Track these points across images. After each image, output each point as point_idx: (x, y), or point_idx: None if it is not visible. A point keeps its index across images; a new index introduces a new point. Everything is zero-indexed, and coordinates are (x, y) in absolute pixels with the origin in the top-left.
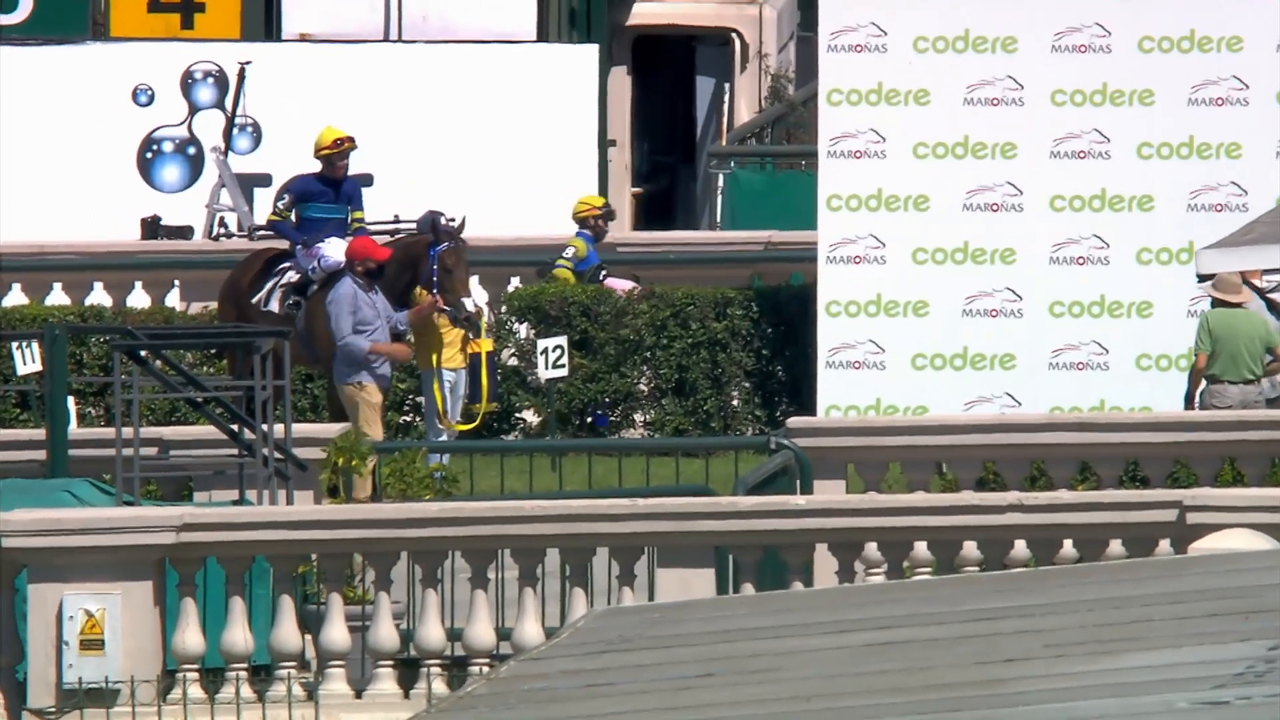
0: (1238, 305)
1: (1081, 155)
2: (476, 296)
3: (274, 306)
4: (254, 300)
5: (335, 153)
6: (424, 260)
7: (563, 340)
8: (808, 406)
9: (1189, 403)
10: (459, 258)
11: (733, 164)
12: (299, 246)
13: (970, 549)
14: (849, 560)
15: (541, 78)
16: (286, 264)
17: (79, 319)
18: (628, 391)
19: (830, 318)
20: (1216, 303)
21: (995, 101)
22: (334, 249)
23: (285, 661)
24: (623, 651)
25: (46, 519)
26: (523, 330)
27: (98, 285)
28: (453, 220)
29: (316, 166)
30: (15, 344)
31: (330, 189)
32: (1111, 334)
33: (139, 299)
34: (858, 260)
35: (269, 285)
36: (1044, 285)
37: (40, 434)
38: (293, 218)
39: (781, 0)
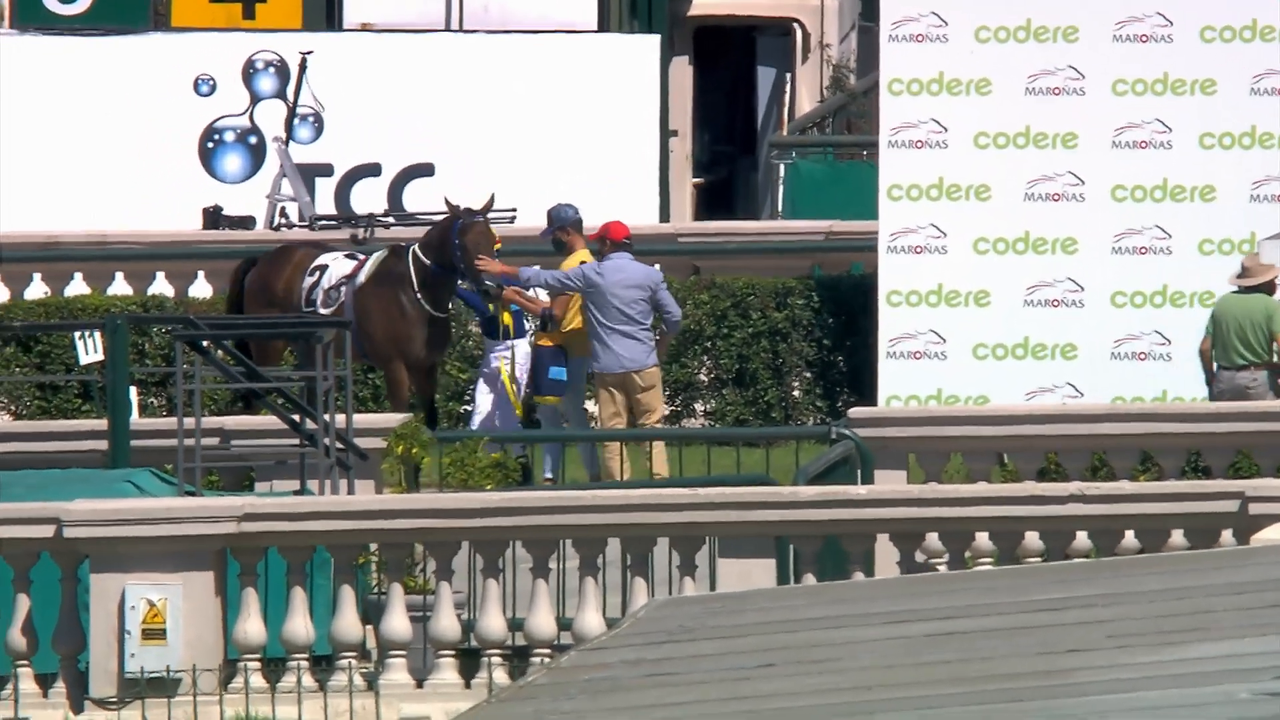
0: (1251, 290)
1: (1143, 145)
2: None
3: (320, 307)
4: (301, 294)
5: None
6: (449, 241)
7: None
8: (869, 396)
9: (1209, 388)
10: (477, 233)
11: (794, 154)
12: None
13: (1032, 539)
14: (910, 550)
15: (602, 68)
16: (324, 262)
17: (141, 309)
18: (688, 381)
19: (891, 308)
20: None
21: (1057, 91)
22: (339, 265)
23: (346, 651)
24: (683, 641)
25: (108, 509)
26: None
27: (159, 275)
28: (567, 208)
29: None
30: (77, 334)
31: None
32: (1173, 324)
33: (201, 289)
34: (919, 250)
35: (309, 283)
36: (1106, 275)
37: (102, 424)
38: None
39: None
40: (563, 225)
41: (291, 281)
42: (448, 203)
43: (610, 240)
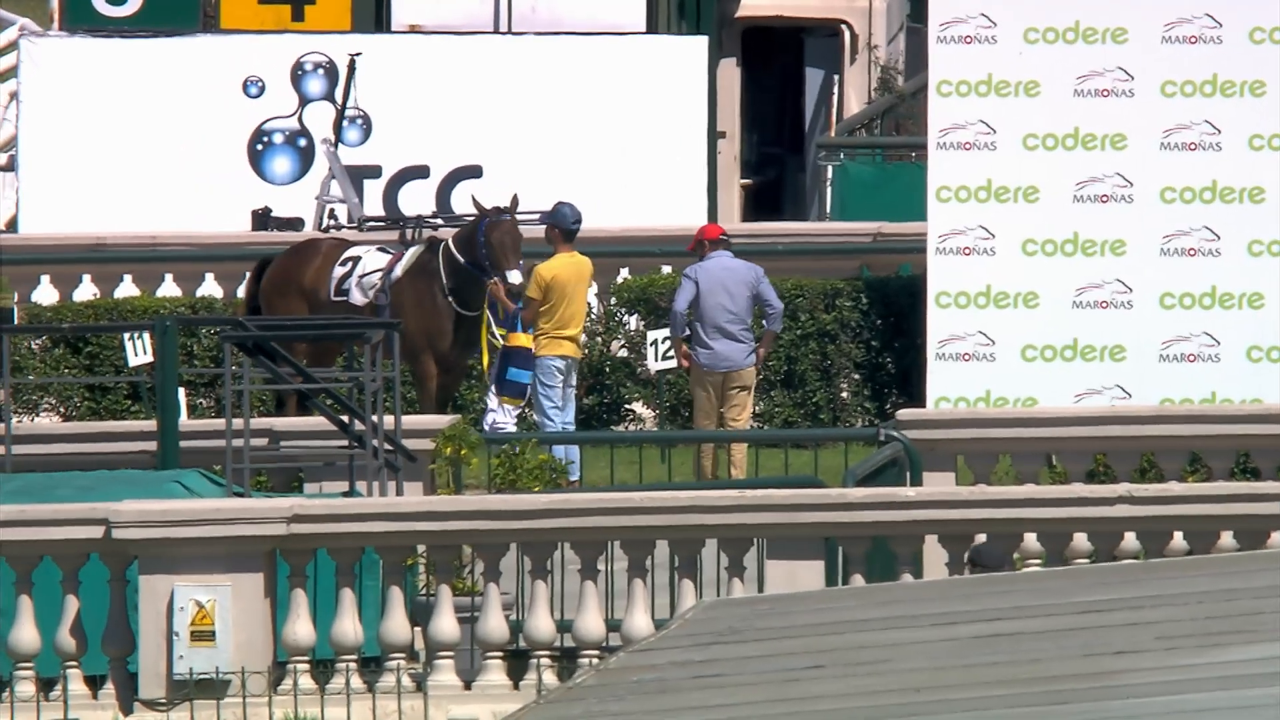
0: None
1: (1192, 147)
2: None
3: (355, 298)
4: (333, 290)
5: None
6: (475, 240)
7: None
8: (917, 398)
9: None
10: (503, 231)
11: (842, 155)
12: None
13: (1080, 541)
14: (958, 552)
15: (650, 69)
16: (357, 253)
17: (190, 310)
18: None
19: (940, 309)
20: None
21: (1105, 93)
22: (373, 258)
23: (395, 653)
24: (732, 643)
25: (157, 510)
26: (632, 322)
27: (209, 277)
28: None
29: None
30: (127, 335)
31: None
32: (1222, 326)
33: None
34: (967, 251)
35: (340, 274)
36: (1154, 277)
37: (151, 425)
38: None
39: None
40: (554, 223)
41: (321, 272)
42: (475, 203)
43: (708, 240)
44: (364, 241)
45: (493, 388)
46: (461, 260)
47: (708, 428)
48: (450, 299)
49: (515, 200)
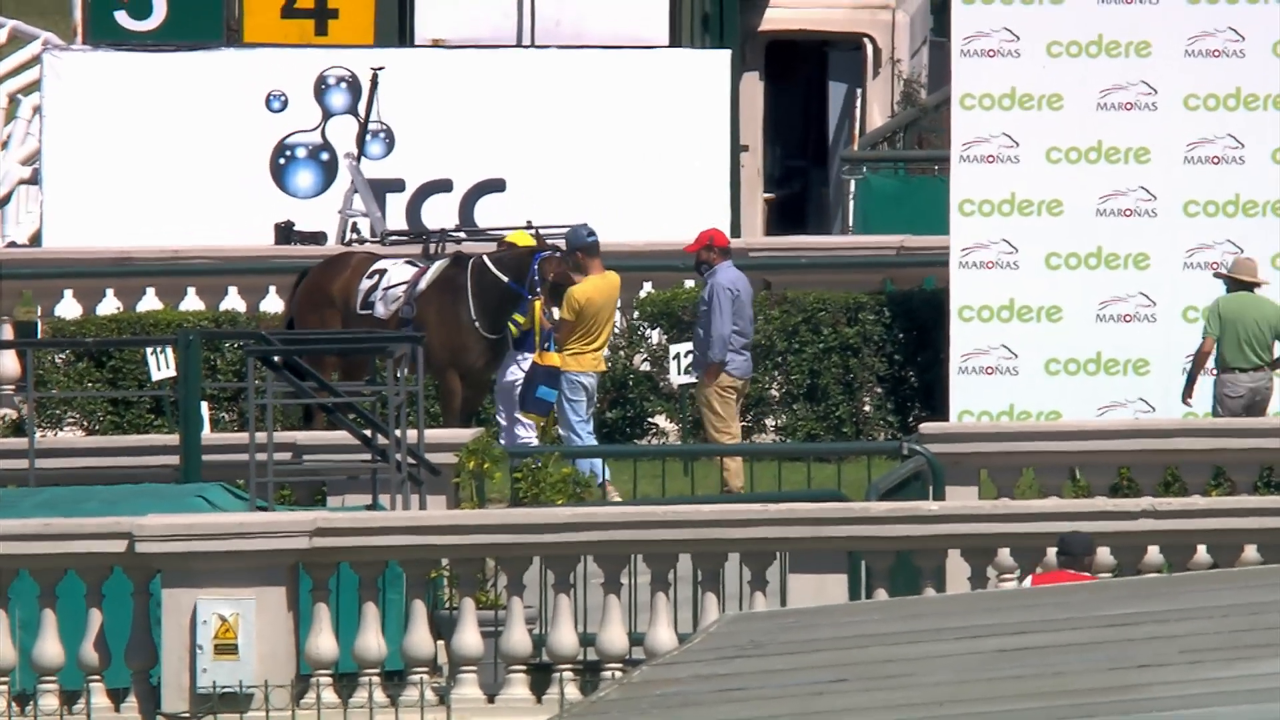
0: (1252, 288)
1: (1215, 160)
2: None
3: (379, 311)
4: (359, 304)
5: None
6: (527, 267)
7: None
8: (940, 412)
9: (1189, 387)
10: (556, 267)
11: (865, 169)
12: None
13: (1104, 555)
14: (982, 566)
15: (674, 83)
16: (383, 266)
17: (213, 324)
18: (759, 396)
19: (963, 323)
20: (1232, 286)
21: (1128, 106)
22: (398, 270)
23: (418, 666)
24: (755, 657)
25: (180, 524)
26: (655, 335)
27: (232, 290)
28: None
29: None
30: (150, 349)
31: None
32: None
33: (273, 304)
34: (990, 265)
35: (367, 286)
36: (1178, 290)
37: (174, 439)
38: None
39: (914, 5)
40: (574, 247)
41: (349, 284)
42: (537, 233)
43: (720, 248)
44: (394, 255)
45: (501, 405)
46: (504, 279)
47: (734, 439)
48: (475, 318)
49: (532, 226)
